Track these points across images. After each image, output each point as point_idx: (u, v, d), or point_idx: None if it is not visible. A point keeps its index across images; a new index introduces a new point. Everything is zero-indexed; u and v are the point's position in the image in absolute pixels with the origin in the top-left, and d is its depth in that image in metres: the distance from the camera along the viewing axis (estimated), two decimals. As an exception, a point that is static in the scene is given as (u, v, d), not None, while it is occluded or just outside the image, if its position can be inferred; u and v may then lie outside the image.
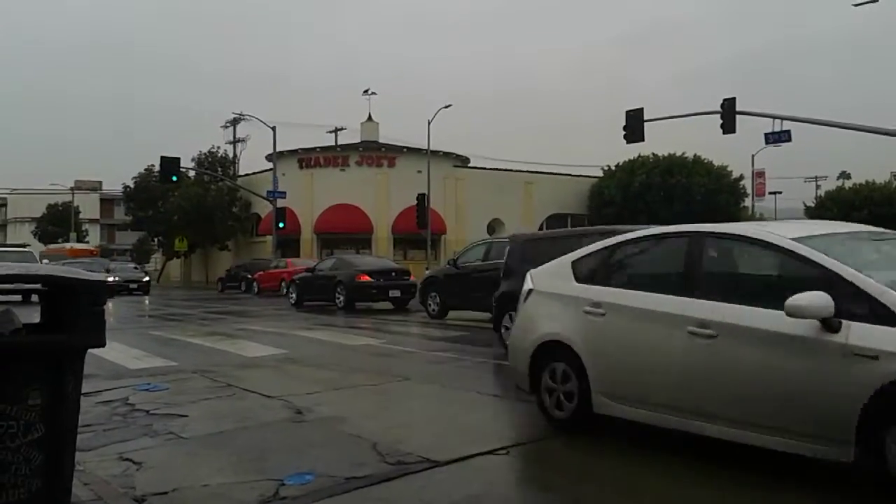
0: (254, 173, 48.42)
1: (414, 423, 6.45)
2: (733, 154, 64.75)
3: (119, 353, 10.30)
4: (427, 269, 29.15)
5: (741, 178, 48.96)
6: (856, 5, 24.16)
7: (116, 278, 31.79)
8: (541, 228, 45.11)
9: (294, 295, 23.24)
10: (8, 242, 49.34)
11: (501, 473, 4.71)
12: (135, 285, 33.09)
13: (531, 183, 47.28)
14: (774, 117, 24.67)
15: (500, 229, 43.25)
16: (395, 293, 20.92)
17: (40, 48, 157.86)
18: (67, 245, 51.65)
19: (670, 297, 4.91)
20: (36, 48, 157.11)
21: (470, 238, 31.43)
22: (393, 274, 21.79)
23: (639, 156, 46.49)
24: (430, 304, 17.53)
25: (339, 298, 21.00)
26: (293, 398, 7.20)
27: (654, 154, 46.85)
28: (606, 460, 5.03)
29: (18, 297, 13.52)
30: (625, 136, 26.04)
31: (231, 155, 54.45)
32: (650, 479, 4.52)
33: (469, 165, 46.94)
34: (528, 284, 6.26)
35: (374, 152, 43.60)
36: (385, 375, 8.90)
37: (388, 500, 4.25)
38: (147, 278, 35.20)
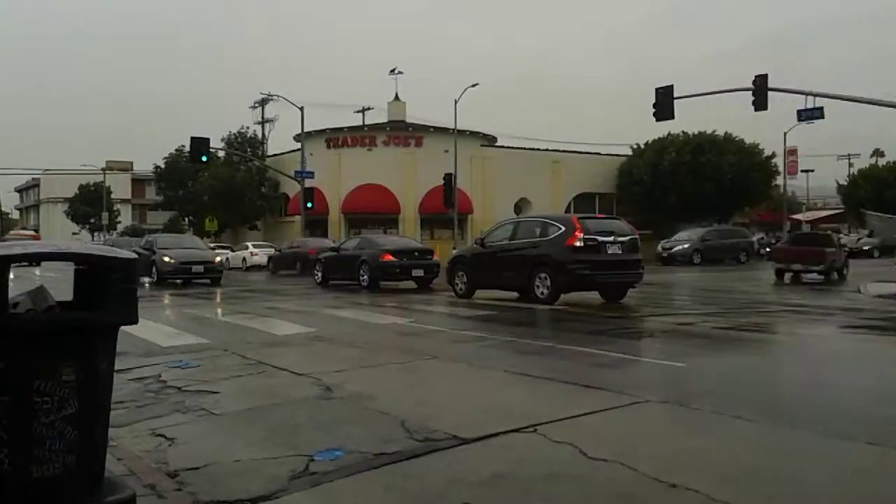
0: (282, 153, 48.67)
1: (441, 400, 6.47)
2: (765, 132, 63.81)
3: (151, 331, 10.44)
4: (454, 248, 29.15)
5: (773, 156, 48.23)
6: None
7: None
8: (568, 209, 44.93)
9: (319, 274, 23.53)
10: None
11: (529, 451, 4.71)
12: None
13: (558, 162, 46.98)
14: (807, 94, 24.22)
15: (527, 208, 43.11)
16: (419, 272, 21.03)
17: (70, 28, 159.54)
18: (14, 231, 68.80)
19: None
20: (66, 28, 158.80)
21: (497, 217, 31.33)
22: (416, 253, 21.89)
23: (668, 134, 45.97)
24: (457, 284, 17.54)
25: (363, 277, 21.18)
26: (322, 375, 7.25)
27: (683, 132, 46.28)
28: (641, 433, 5.02)
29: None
30: (654, 114, 25.73)
31: (260, 135, 54.71)
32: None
33: (496, 145, 46.71)
34: None
35: (401, 132, 43.55)
36: (412, 354, 8.94)
37: (416, 476, 4.28)
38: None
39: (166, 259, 23.34)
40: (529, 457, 4.60)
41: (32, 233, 63.81)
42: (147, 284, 23.04)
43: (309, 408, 6.04)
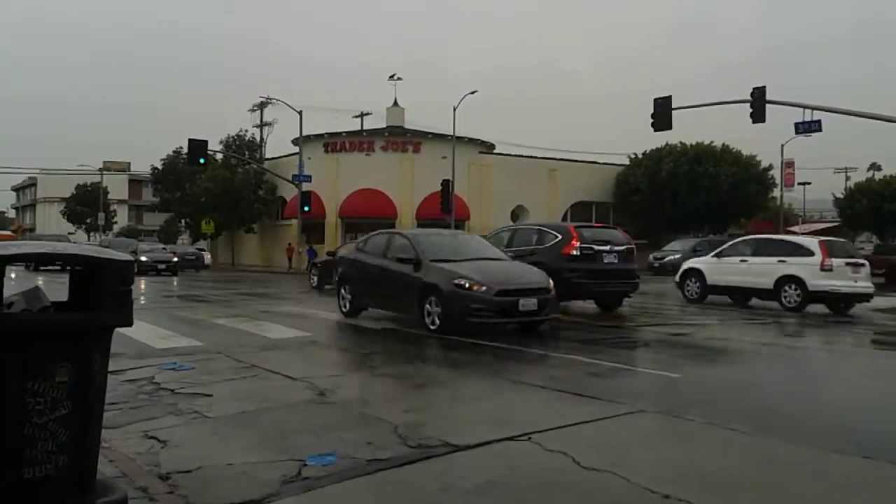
0: (280, 157, 48.63)
1: (435, 407, 6.47)
2: (762, 144, 63.99)
3: (146, 333, 10.42)
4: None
5: (770, 168, 48.31)
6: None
7: (145, 258, 32.35)
8: (564, 217, 44.95)
9: (315, 278, 23.50)
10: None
11: (523, 459, 4.70)
12: (163, 266, 33.33)
13: (556, 170, 47.02)
14: (804, 107, 24.30)
15: (524, 216, 43.11)
16: None
17: (70, 28, 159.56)
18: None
19: None
20: (65, 28, 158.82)
21: (494, 224, 31.31)
22: None
23: (666, 144, 46.02)
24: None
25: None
26: (316, 380, 7.24)
27: (681, 143, 46.37)
28: (635, 443, 5.02)
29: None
30: (652, 125, 25.79)
31: (258, 138, 54.69)
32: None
33: (494, 152, 46.76)
34: None
35: (400, 137, 43.56)
36: (407, 359, 8.93)
37: (409, 483, 4.27)
38: (175, 259, 35.47)
39: (466, 285, 11.09)
40: (523, 465, 4.59)
41: (7, 233, 61.31)
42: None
43: (302, 412, 6.03)
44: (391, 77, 47.23)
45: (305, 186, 37.81)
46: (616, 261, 15.04)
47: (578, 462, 4.56)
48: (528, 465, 4.58)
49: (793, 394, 7.36)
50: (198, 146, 33.90)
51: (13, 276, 25.16)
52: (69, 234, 67.36)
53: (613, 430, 5.56)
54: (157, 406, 6.19)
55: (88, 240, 63.59)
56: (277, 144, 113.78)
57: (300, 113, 39.12)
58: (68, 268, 3.70)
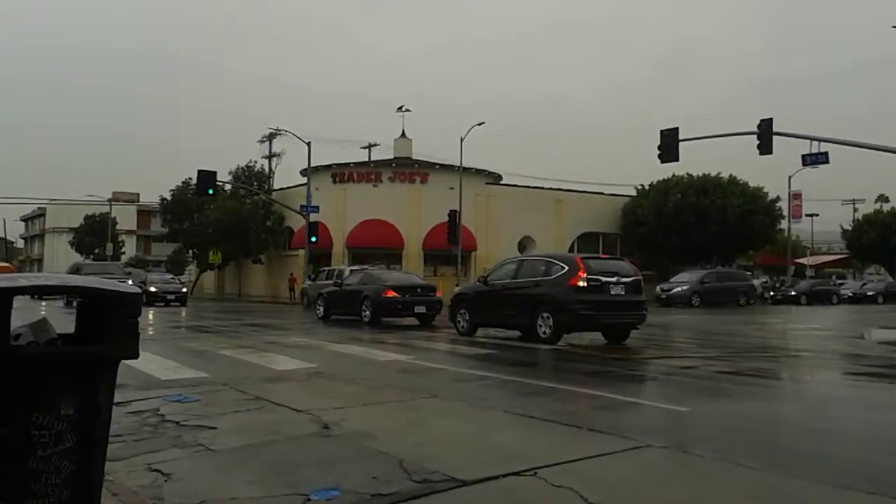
0: (288, 187, 48.91)
1: (441, 440, 6.42)
2: (769, 175, 64.01)
3: (151, 364, 10.40)
4: (457, 285, 29.13)
5: (777, 199, 48.36)
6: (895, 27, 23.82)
7: (154, 289, 32.43)
8: (571, 248, 44.98)
9: (321, 308, 23.50)
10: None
11: (528, 495, 4.66)
12: (172, 296, 33.38)
13: (562, 201, 47.15)
14: (812, 139, 24.33)
15: (531, 247, 43.15)
16: (421, 309, 21.01)
17: (79, 60, 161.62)
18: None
19: None
20: (76, 60, 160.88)
21: (501, 255, 31.35)
22: (419, 290, 21.85)
23: (673, 175, 46.15)
24: (459, 321, 17.49)
25: (365, 313, 21.13)
26: (321, 412, 7.21)
27: (688, 174, 46.49)
28: (643, 479, 4.97)
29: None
30: (659, 156, 25.88)
31: (267, 169, 55.04)
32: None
33: (501, 183, 46.94)
34: None
35: (407, 168, 43.81)
36: (412, 392, 8.88)
37: (413, 519, 4.23)
38: (185, 289, 35.60)
39: None
40: (529, 500, 4.55)
41: (6, 265, 59.15)
42: None
43: (306, 445, 5.99)
44: (399, 108, 47.70)
45: (313, 217, 37.99)
46: (623, 292, 15.00)
47: (585, 498, 4.50)
48: (534, 501, 4.53)
49: (802, 427, 7.29)
50: (207, 177, 34.19)
51: (43, 310, 24.77)
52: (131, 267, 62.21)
53: (621, 465, 5.50)
54: (162, 438, 6.16)
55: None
56: (286, 174, 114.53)
57: (308, 144, 39.45)
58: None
